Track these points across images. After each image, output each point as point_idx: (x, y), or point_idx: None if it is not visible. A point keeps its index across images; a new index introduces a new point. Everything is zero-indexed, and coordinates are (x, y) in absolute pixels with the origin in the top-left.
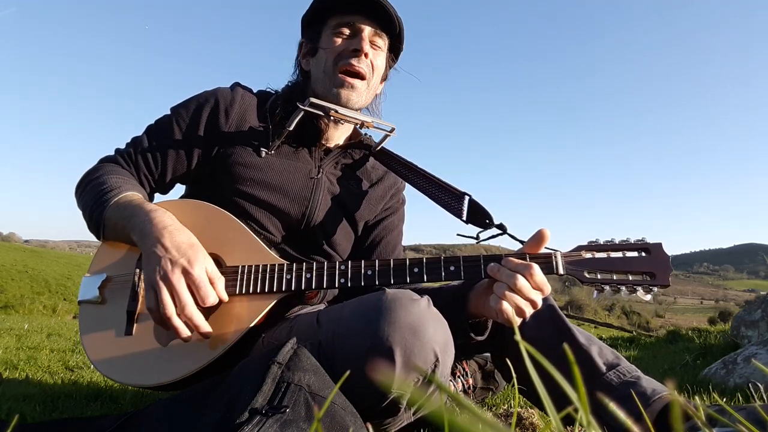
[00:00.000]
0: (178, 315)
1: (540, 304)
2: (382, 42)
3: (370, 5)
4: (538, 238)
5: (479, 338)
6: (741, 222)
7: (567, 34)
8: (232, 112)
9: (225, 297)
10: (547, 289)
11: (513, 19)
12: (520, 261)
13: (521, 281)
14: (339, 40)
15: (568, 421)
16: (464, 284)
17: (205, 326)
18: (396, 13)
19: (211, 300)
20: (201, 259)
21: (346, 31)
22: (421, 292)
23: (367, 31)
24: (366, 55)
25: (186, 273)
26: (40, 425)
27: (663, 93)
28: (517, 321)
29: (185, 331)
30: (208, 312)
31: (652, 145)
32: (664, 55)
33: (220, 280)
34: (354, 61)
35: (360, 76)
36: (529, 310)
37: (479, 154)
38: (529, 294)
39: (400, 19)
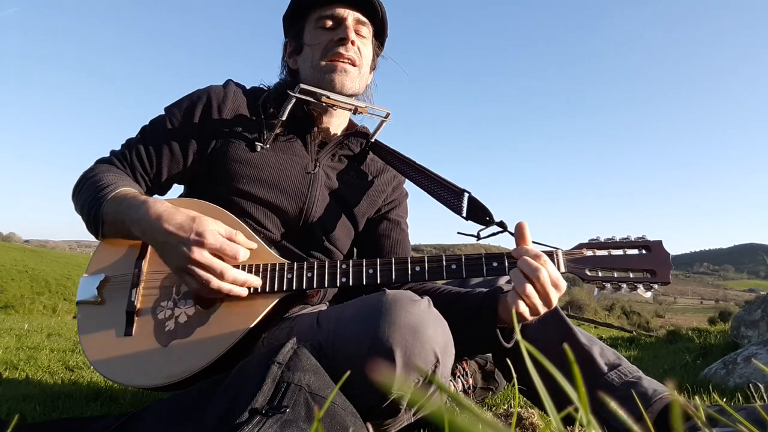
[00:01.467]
0: (223, 282)
1: (555, 302)
2: (367, 30)
3: None
4: (520, 232)
5: (508, 346)
6: (741, 222)
7: (569, 26)
8: (225, 108)
9: (252, 245)
10: (563, 284)
11: (511, 11)
12: (535, 252)
13: (542, 274)
14: (323, 34)
15: (569, 420)
16: (494, 289)
17: (254, 279)
18: (378, 1)
19: (241, 254)
20: (209, 226)
21: (329, 23)
22: (445, 295)
23: (350, 18)
24: (353, 43)
25: (201, 245)
26: (40, 425)
27: (663, 91)
28: (529, 317)
29: (241, 290)
30: (211, 311)
31: (652, 144)
32: (665, 51)
33: (238, 234)
34: (342, 50)
35: (351, 63)
36: (542, 308)
37: (479, 149)
38: (546, 288)
39: (381, 4)
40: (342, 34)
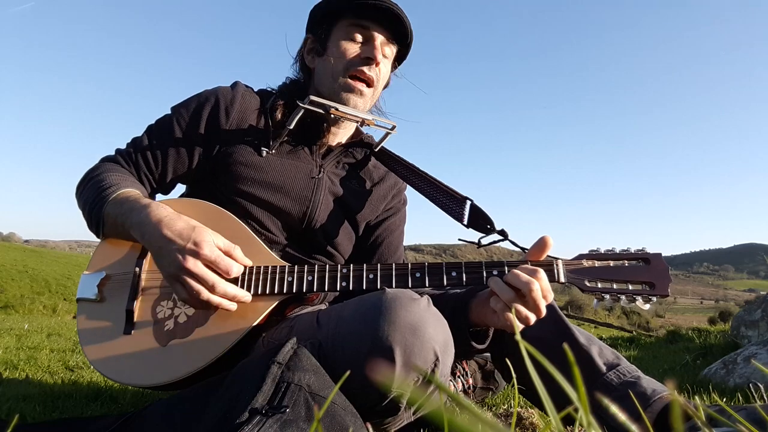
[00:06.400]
0: (214, 295)
1: (544, 312)
2: (391, 51)
3: (387, 15)
4: (542, 245)
5: (480, 347)
6: (741, 222)
7: (565, 31)
8: (232, 111)
9: (248, 262)
10: (551, 296)
11: (512, 15)
12: (530, 268)
13: (535, 287)
14: (351, 47)
15: (568, 421)
16: (466, 292)
17: (244, 295)
18: (410, 26)
19: (236, 270)
20: (207, 237)
21: (359, 37)
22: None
23: (380, 39)
24: (377, 64)
25: (197, 255)
26: (40, 425)
27: (663, 91)
28: (520, 327)
29: (230, 304)
30: (210, 311)
31: (651, 145)
32: (664, 51)
33: (236, 249)
34: (365, 69)
35: (369, 83)
36: (533, 319)
37: (480, 154)
38: (538, 301)
39: (412, 32)
40: (370, 54)
